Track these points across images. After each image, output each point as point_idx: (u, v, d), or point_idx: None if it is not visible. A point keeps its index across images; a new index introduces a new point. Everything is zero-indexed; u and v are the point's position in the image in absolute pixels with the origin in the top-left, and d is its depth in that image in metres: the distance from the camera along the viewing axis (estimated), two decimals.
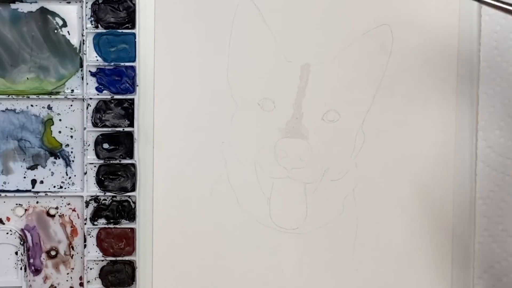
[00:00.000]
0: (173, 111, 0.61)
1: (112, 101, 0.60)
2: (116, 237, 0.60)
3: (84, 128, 0.60)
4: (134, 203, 0.60)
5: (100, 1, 0.60)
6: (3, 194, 0.60)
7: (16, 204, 0.61)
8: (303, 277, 0.61)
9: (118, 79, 0.60)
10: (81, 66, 0.60)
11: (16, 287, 0.61)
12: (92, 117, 0.60)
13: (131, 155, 0.60)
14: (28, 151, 0.60)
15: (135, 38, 0.60)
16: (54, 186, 0.61)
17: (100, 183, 0.60)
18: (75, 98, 0.60)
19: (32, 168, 0.61)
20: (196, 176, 0.61)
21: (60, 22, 0.60)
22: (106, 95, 0.60)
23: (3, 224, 0.61)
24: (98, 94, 0.60)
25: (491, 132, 0.61)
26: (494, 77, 0.61)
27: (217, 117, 0.61)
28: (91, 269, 0.61)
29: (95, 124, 0.60)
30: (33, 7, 0.60)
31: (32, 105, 0.60)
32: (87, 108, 0.60)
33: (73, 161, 0.61)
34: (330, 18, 0.61)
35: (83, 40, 0.60)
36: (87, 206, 0.60)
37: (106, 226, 0.60)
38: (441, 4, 0.61)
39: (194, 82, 0.61)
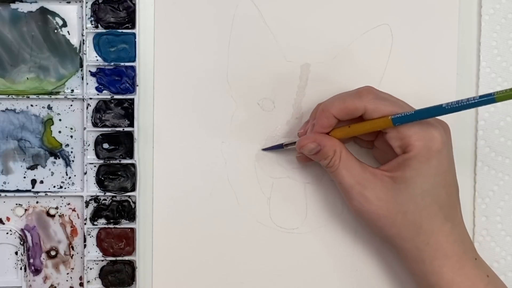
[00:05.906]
0: (173, 111, 0.61)
1: (112, 101, 0.60)
2: (116, 237, 0.60)
3: (84, 128, 0.60)
4: (134, 203, 0.60)
5: (100, 1, 0.60)
6: (3, 194, 0.60)
7: (16, 204, 0.61)
8: (303, 277, 0.61)
9: (118, 79, 0.60)
10: (81, 66, 0.60)
11: (16, 287, 0.61)
12: (92, 117, 0.60)
13: (131, 155, 0.60)
14: (28, 151, 0.60)
15: (135, 38, 0.60)
16: (54, 186, 0.61)
17: (100, 183, 0.60)
18: (75, 98, 0.60)
19: (32, 168, 0.60)
20: (196, 176, 0.61)
21: (60, 22, 0.60)
22: (106, 95, 0.60)
23: (3, 224, 0.60)
24: (98, 94, 0.60)
25: (491, 132, 0.61)
26: (494, 77, 0.61)
27: (217, 117, 0.61)
28: (91, 269, 0.61)
29: (95, 124, 0.60)
30: (33, 7, 0.60)
31: (32, 105, 0.60)
32: (87, 108, 0.60)
33: (73, 161, 0.60)
34: (330, 18, 0.61)
35: (83, 40, 0.60)
36: (87, 206, 0.60)
37: (106, 226, 0.60)
38: (441, 4, 0.61)
39: (194, 82, 0.61)
